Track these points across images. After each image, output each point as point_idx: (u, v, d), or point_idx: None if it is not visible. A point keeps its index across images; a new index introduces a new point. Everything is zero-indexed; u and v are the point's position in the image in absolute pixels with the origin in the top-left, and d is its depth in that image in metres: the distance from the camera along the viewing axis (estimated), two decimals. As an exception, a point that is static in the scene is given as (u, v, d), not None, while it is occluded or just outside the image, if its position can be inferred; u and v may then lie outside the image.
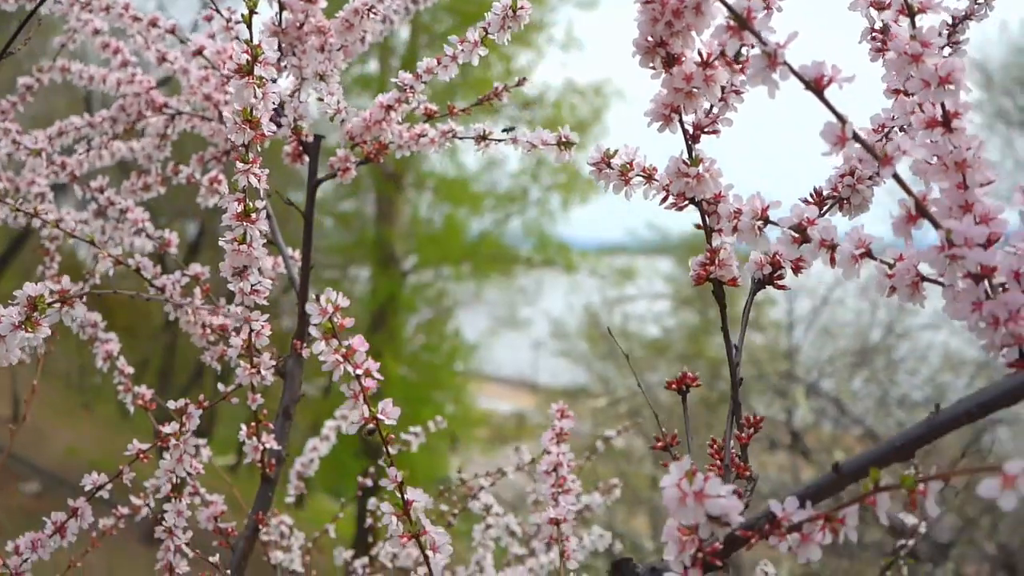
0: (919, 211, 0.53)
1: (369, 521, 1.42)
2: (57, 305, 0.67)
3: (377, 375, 0.65)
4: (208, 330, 1.04)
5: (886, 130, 0.73)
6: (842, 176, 0.72)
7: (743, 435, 0.64)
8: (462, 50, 0.92)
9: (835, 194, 0.72)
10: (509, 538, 1.39)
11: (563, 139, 0.88)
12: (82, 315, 0.67)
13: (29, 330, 0.70)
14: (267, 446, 1.01)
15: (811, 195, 0.73)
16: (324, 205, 11.96)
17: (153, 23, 1.12)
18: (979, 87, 9.00)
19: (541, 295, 12.36)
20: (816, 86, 0.53)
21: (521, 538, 1.42)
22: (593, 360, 9.50)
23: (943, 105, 0.56)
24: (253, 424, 1.00)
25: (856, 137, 0.53)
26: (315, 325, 0.63)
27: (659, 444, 0.55)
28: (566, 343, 10.65)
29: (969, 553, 5.97)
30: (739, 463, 0.63)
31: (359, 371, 0.64)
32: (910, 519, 1.15)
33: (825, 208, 0.72)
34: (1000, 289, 0.54)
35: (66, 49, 1.34)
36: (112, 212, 1.15)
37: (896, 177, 0.53)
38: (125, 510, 1.14)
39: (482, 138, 0.97)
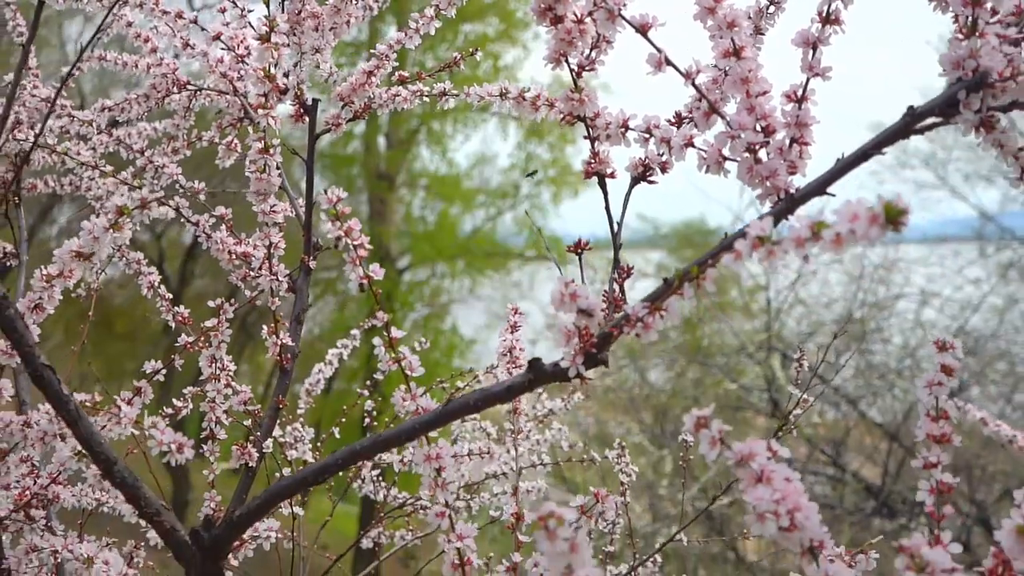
0: (711, 109, 0.82)
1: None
2: (138, 210, 0.95)
3: (368, 246, 0.93)
4: (233, 256, 1.32)
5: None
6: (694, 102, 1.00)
7: (620, 279, 0.93)
8: (422, 23, 1.21)
9: (689, 115, 1.00)
10: (485, 439, 1.68)
11: (503, 90, 1.16)
12: (160, 214, 0.95)
13: (116, 231, 0.98)
14: (284, 343, 1.29)
15: (673, 116, 1.01)
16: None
17: (179, 15, 1.40)
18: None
19: (535, 289, 12.62)
20: (642, 30, 0.81)
21: (495, 437, 1.71)
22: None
23: (733, 41, 0.84)
24: (272, 325, 1.28)
25: (668, 61, 0.81)
26: (324, 210, 0.91)
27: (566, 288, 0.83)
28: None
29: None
30: (617, 298, 0.92)
31: (356, 243, 0.92)
32: (796, 401, 1.43)
33: (684, 126, 1.00)
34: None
35: (101, 40, 1.62)
36: (149, 169, 1.43)
37: (695, 86, 0.82)
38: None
39: (443, 94, 1.26)
